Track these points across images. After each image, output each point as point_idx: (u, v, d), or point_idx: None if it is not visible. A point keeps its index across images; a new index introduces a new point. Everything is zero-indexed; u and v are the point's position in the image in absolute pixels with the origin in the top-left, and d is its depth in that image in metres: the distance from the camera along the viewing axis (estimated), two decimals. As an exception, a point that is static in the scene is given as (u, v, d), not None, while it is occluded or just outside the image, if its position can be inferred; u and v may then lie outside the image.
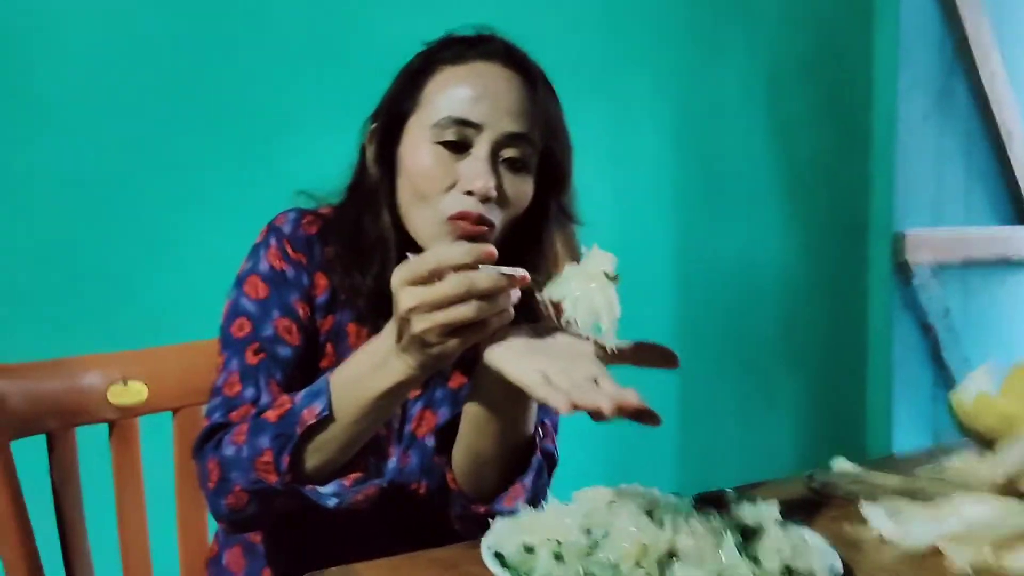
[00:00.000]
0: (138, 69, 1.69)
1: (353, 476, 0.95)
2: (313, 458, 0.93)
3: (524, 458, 1.02)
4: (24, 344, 1.56)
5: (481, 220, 1.01)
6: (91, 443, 1.17)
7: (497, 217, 1.03)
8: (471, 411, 0.99)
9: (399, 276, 0.85)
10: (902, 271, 2.74)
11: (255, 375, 1.03)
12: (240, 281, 1.09)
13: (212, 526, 1.19)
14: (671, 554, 0.78)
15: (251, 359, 1.03)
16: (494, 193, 1.02)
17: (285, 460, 0.92)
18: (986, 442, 1.25)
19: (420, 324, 0.84)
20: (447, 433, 1.06)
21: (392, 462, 1.09)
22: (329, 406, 0.91)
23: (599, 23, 2.23)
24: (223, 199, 1.77)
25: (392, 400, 0.92)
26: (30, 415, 1.08)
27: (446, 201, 1.01)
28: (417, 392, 1.10)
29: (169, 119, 1.72)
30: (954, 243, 2.83)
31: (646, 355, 0.90)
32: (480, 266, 0.84)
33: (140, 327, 1.66)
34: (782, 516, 0.89)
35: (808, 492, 1.09)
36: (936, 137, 2.80)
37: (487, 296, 0.83)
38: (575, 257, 1.08)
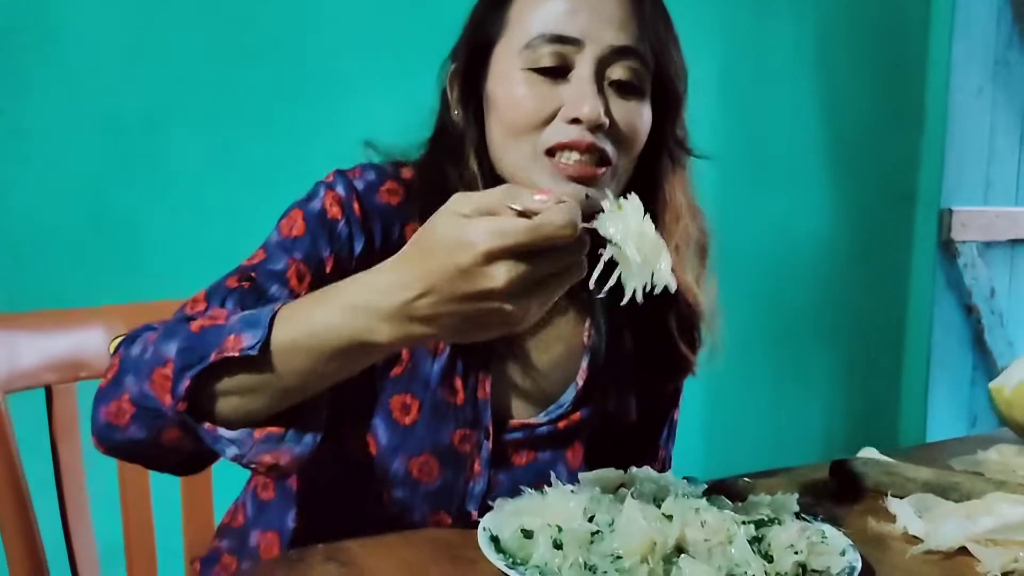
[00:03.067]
0: (171, 11, 1.64)
1: (267, 430, 0.75)
2: (225, 400, 0.74)
3: None
4: (45, 289, 1.56)
5: (592, 149, 0.85)
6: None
7: (613, 154, 0.87)
8: None
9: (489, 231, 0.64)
10: (947, 249, 2.64)
11: (224, 296, 0.86)
12: (283, 215, 0.93)
13: (225, 484, 1.14)
14: (679, 548, 0.73)
15: (231, 282, 0.87)
16: (605, 120, 0.85)
17: (185, 384, 0.73)
18: (1027, 435, 1.19)
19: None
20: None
21: (479, 484, 0.94)
22: (263, 346, 0.71)
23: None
24: (253, 155, 1.72)
25: (349, 362, 0.73)
26: (27, 367, 1.05)
27: (546, 133, 0.86)
28: (518, 423, 0.96)
29: (202, 68, 1.67)
30: (1003, 222, 2.72)
31: None
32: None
33: (160, 279, 1.62)
34: (803, 507, 0.84)
35: (834, 481, 1.03)
36: (990, 111, 2.68)
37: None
38: (693, 202, 0.97)
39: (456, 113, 0.94)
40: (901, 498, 0.93)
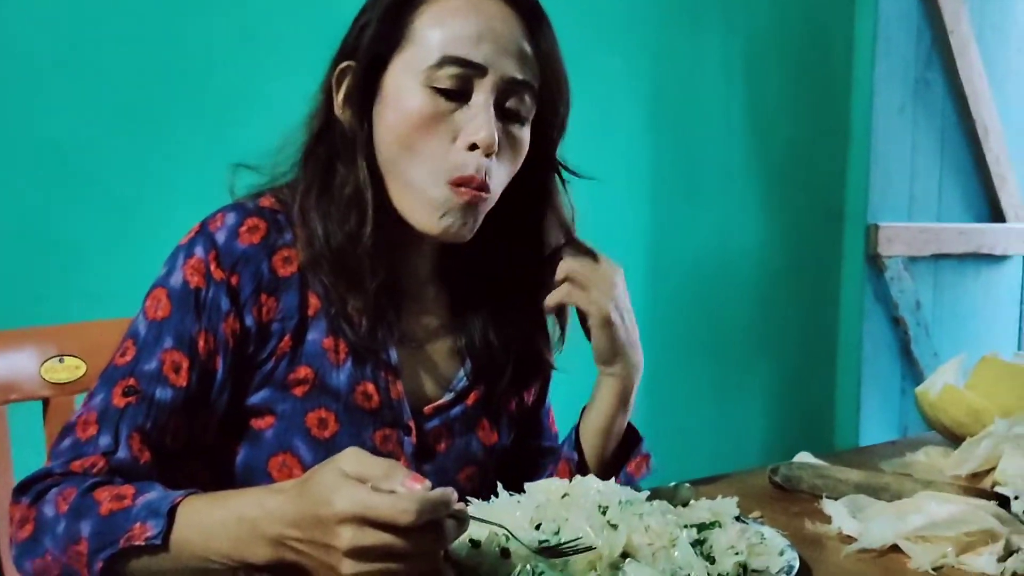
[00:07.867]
0: (105, 38, 1.62)
1: None
2: (138, 574, 0.81)
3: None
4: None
5: (482, 187, 0.91)
6: (24, 421, 1.12)
7: (497, 176, 0.93)
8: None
9: (350, 507, 0.69)
10: (874, 264, 2.72)
11: (116, 421, 0.87)
12: (147, 294, 0.93)
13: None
14: (624, 553, 0.74)
15: (117, 400, 0.88)
16: (496, 148, 0.91)
17: (98, 566, 0.80)
18: (953, 436, 1.23)
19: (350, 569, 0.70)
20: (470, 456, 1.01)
21: None
22: (164, 537, 0.78)
23: (569, 3, 2.18)
24: (187, 173, 1.69)
25: (238, 560, 0.78)
26: (-43, 391, 1.03)
27: (449, 159, 0.91)
28: (431, 408, 1.00)
29: (134, 90, 1.65)
30: (927, 237, 2.81)
31: None
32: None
33: (94, 299, 1.59)
34: (741, 511, 0.86)
35: (770, 486, 1.05)
36: (912, 130, 2.77)
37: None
38: (565, 222, 1.03)
39: (343, 115, 0.95)
40: (835, 499, 0.96)
